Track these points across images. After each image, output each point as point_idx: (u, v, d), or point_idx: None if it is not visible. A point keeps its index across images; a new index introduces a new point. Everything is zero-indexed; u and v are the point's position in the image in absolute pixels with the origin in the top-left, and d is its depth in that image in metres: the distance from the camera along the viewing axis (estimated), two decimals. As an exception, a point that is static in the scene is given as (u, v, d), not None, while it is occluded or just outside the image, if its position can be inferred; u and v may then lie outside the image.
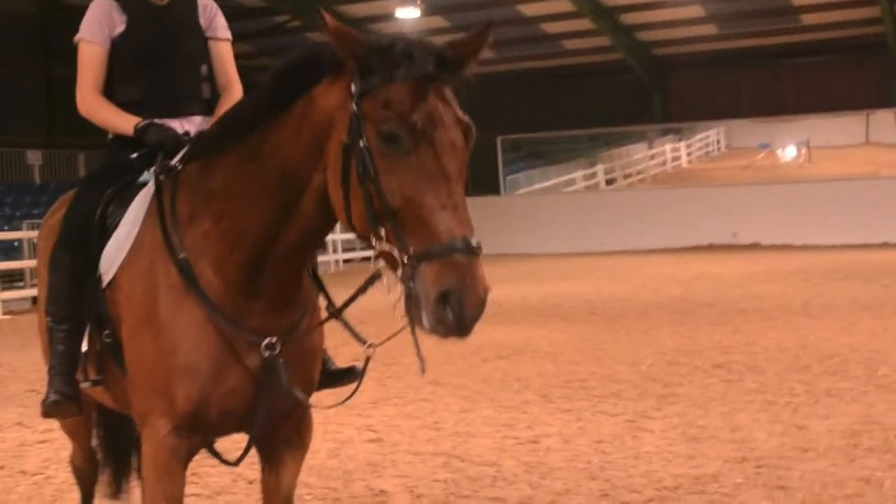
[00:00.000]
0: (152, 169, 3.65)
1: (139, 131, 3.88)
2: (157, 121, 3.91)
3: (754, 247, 29.58)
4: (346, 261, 27.20)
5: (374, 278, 3.12)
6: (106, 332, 3.57)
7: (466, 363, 10.35)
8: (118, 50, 4.05)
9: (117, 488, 4.89)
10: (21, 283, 21.39)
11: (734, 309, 14.22)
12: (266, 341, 3.27)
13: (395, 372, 9.67)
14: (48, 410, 3.76)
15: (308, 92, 3.11)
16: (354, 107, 2.90)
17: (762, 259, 24.36)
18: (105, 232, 3.66)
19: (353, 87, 2.93)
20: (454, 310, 2.69)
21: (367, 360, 3.33)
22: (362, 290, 3.23)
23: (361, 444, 7.16)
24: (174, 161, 3.57)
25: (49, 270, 3.83)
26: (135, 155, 3.86)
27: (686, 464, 6.30)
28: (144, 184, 3.70)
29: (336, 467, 6.54)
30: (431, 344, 9.81)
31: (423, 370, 3.11)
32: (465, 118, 2.93)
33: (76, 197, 3.93)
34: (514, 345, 11.49)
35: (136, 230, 3.53)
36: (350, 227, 3.01)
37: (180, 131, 3.91)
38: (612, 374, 9.42)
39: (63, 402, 3.72)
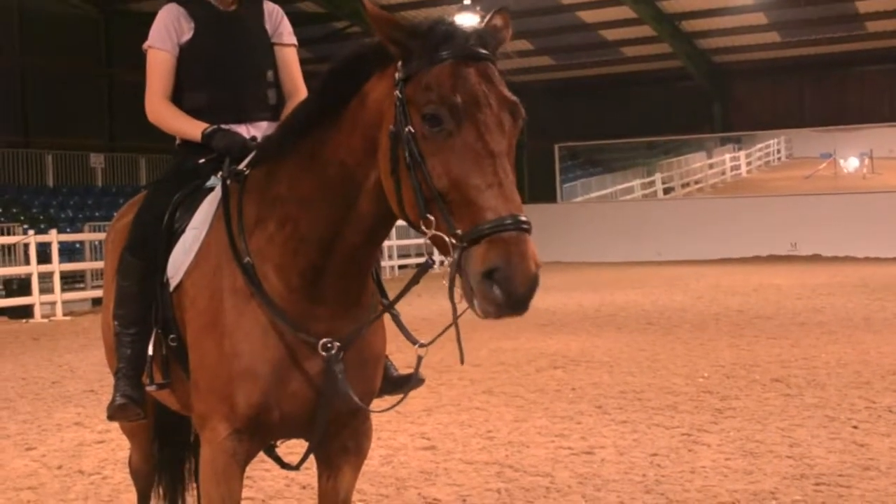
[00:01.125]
0: (220, 174, 3.68)
1: (206, 137, 3.90)
2: (223, 126, 3.94)
3: (815, 258, 29.18)
4: (401, 266, 27.28)
5: (425, 268, 3.10)
6: (172, 335, 3.59)
7: (520, 372, 10.29)
8: (186, 56, 4.09)
9: (173, 494, 4.89)
10: (82, 285, 21.78)
11: (793, 322, 14.01)
12: (323, 341, 3.26)
13: (447, 379, 9.65)
14: (114, 413, 3.79)
15: (359, 89, 3.12)
16: (398, 93, 2.89)
17: (823, 271, 24.00)
18: (173, 236, 3.68)
19: (396, 74, 2.93)
20: (501, 286, 2.63)
21: (419, 359, 3.30)
22: (414, 280, 3.20)
23: (414, 451, 7.14)
24: (241, 166, 3.60)
25: (117, 274, 3.87)
26: (202, 160, 3.89)
27: (743, 479, 6.20)
28: (212, 188, 3.72)
29: (389, 474, 6.53)
30: (486, 353, 9.84)
31: (462, 360, 3.08)
32: (512, 97, 2.88)
33: (145, 202, 3.96)
34: (569, 354, 11.42)
35: (202, 234, 3.55)
36: (403, 216, 2.99)
37: (247, 136, 3.94)
38: (668, 385, 9.31)
39: (129, 406, 3.75)
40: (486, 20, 3.04)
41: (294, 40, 4.31)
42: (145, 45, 4.12)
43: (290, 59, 4.27)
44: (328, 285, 3.30)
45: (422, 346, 3.24)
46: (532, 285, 2.66)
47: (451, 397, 8.95)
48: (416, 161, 2.82)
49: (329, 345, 3.26)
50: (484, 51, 2.90)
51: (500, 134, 2.80)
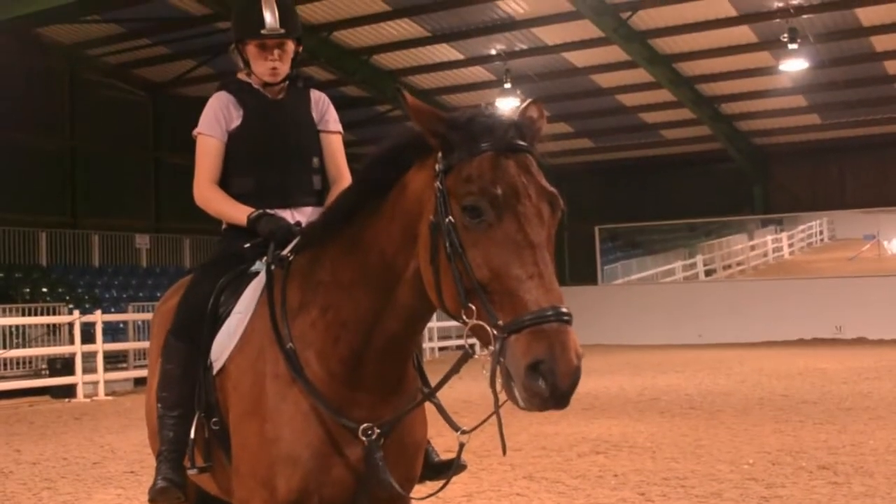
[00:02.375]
0: (264, 259, 3.74)
1: (252, 221, 3.99)
2: (269, 211, 4.02)
3: (860, 341, 28.75)
4: (441, 349, 27.21)
5: (465, 357, 3.10)
6: (214, 419, 3.62)
7: (562, 457, 10.16)
8: (234, 143, 4.21)
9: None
10: (125, 365, 21.92)
11: (840, 407, 13.74)
12: (363, 427, 3.27)
13: (488, 464, 9.54)
14: (155, 496, 3.79)
15: (399, 179, 3.18)
16: (439, 184, 2.94)
17: (869, 355, 23.60)
18: (217, 321, 3.74)
19: (437, 166, 2.98)
20: (547, 380, 2.65)
21: (461, 446, 3.29)
22: (455, 369, 3.20)
23: (454, 538, 7.06)
24: (285, 252, 3.66)
25: (162, 357, 3.92)
26: (247, 245, 3.96)
27: (791, 571, 6.06)
28: (256, 273, 3.78)
29: (428, 561, 6.44)
30: (526, 437, 9.68)
31: (504, 450, 3.08)
32: (551, 188, 2.94)
33: (190, 286, 4.02)
34: (611, 439, 11.28)
35: (246, 319, 3.60)
36: (441, 306, 3.02)
37: (291, 221, 4.01)
38: (712, 472, 9.14)
39: (170, 489, 3.76)
40: (520, 111, 3.09)
41: (339, 128, 4.43)
42: (195, 132, 4.26)
43: (335, 146, 4.38)
44: (369, 372, 3.32)
45: (464, 432, 3.24)
46: (575, 378, 2.69)
47: (492, 482, 8.84)
48: (456, 252, 2.86)
49: (369, 431, 3.27)
50: (522, 142, 2.96)
51: (539, 225, 2.85)
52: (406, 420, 3.43)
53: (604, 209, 34.49)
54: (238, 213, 4.07)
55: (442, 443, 3.99)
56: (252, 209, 4.04)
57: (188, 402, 3.73)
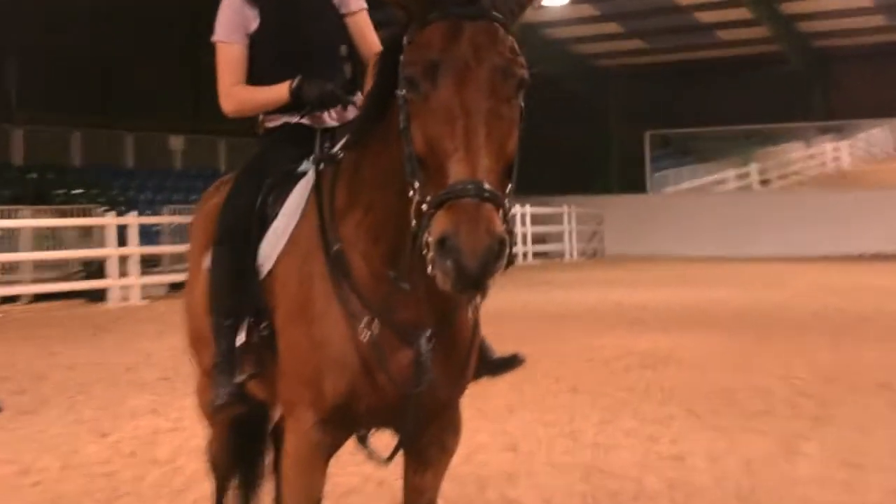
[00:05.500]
0: (312, 158, 3.64)
1: (295, 90, 3.85)
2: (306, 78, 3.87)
3: (923, 258, 28.20)
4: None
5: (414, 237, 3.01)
6: (263, 324, 3.58)
7: (608, 370, 10.08)
8: (255, 45, 4.06)
9: (250, 488, 4.80)
10: (159, 269, 21.77)
11: (899, 324, 13.44)
12: (422, 336, 3.17)
13: (531, 376, 9.36)
14: (217, 410, 3.80)
15: None
16: (402, 57, 2.85)
17: (931, 271, 23.14)
18: (264, 223, 3.68)
19: (404, 39, 2.89)
20: (452, 257, 2.53)
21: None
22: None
23: (496, 451, 6.96)
24: (335, 149, 3.56)
25: (211, 264, 3.88)
26: (299, 119, 3.91)
27: (844, 491, 5.88)
28: (303, 174, 3.69)
29: (469, 473, 6.33)
30: (572, 349, 9.47)
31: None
32: (507, 54, 2.74)
33: (234, 188, 3.95)
34: (658, 353, 11.12)
35: (294, 221, 3.54)
36: None
37: (328, 120, 3.95)
38: (763, 388, 8.96)
39: (233, 402, 3.73)
40: None
41: (363, 4, 4.23)
42: (213, 39, 4.09)
43: (362, 24, 4.20)
44: (410, 272, 3.17)
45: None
46: (484, 259, 2.51)
47: (535, 395, 8.73)
48: (405, 126, 2.79)
49: (419, 333, 3.18)
50: (486, 10, 2.78)
51: (479, 92, 2.68)
52: (456, 319, 3.32)
53: (654, 114, 33.96)
54: (276, 92, 3.91)
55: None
56: (289, 81, 3.88)
57: (239, 308, 3.69)
